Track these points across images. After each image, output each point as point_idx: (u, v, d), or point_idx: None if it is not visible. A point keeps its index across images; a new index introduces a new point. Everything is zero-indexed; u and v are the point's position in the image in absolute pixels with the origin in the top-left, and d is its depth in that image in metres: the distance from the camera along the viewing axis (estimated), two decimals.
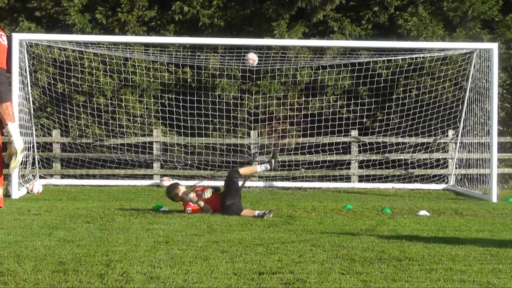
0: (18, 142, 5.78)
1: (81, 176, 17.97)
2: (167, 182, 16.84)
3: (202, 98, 18.52)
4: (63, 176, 18.12)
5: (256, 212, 11.68)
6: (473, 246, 8.79)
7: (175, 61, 18.24)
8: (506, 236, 9.72)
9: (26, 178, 16.28)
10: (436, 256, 8.05)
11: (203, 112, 18.45)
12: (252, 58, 15.26)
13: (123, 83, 18.55)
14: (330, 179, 18.32)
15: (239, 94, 18.66)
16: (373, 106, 18.77)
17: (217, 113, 18.41)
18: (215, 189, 12.23)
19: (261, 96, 18.64)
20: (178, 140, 18.34)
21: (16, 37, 15.16)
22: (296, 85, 18.93)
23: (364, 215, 12.08)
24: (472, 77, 17.50)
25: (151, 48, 18.12)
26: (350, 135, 18.51)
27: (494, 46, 16.11)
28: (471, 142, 17.78)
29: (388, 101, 18.80)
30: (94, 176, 17.98)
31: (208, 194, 12.01)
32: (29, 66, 16.63)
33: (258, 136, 18.49)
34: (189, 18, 19.27)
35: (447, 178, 18.39)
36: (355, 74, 18.54)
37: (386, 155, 18.52)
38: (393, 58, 18.17)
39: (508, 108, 19.31)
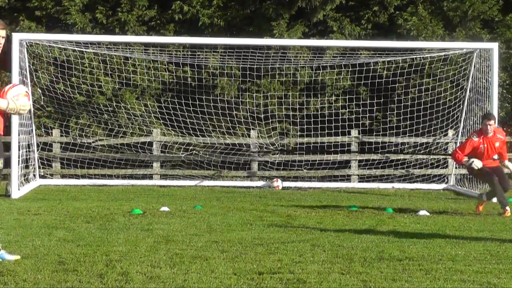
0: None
1: (81, 176, 17.97)
2: (276, 183, 17.24)
3: (203, 97, 18.52)
4: (63, 176, 18.12)
5: None
6: (473, 246, 8.80)
7: (175, 61, 18.24)
8: (506, 236, 9.72)
9: (26, 178, 16.28)
10: (436, 256, 8.06)
11: (203, 111, 18.44)
12: (278, 185, 17.35)
13: (123, 82, 18.55)
14: (331, 179, 18.31)
15: (239, 93, 18.66)
16: (374, 108, 18.76)
17: (218, 112, 18.40)
18: None
19: (262, 95, 18.64)
20: (178, 139, 18.33)
21: (16, 37, 15.15)
22: (295, 84, 18.93)
23: (364, 215, 12.08)
24: (472, 77, 17.50)
25: (151, 47, 18.12)
26: (350, 135, 18.50)
27: (494, 46, 16.10)
28: None
29: (389, 101, 18.79)
30: (94, 176, 17.97)
31: None
32: (29, 66, 16.63)
33: (258, 136, 18.49)
34: (189, 17, 19.27)
35: (447, 178, 18.39)
36: (355, 75, 18.53)
37: (386, 155, 18.51)
38: (393, 58, 18.16)
39: (508, 108, 19.31)
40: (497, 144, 12.83)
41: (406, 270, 7.27)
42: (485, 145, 12.74)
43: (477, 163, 12.57)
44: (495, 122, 12.91)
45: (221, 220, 11.09)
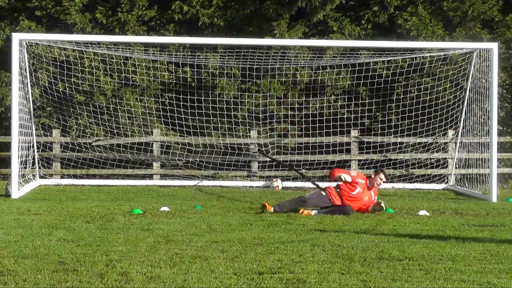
0: None
1: (81, 176, 17.97)
2: (276, 183, 17.26)
3: (202, 98, 18.53)
4: (63, 176, 18.12)
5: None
6: (473, 246, 8.80)
7: (175, 61, 18.25)
8: (506, 236, 9.73)
9: (26, 178, 16.28)
10: (436, 256, 8.06)
11: (203, 111, 18.45)
12: (278, 185, 17.29)
13: (123, 82, 18.56)
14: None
15: (239, 93, 18.66)
16: (373, 107, 18.76)
17: (217, 113, 18.41)
18: None
19: (261, 95, 18.64)
20: (178, 139, 18.34)
21: (16, 36, 15.14)
22: (296, 84, 18.93)
23: (364, 215, 12.07)
24: (472, 77, 17.50)
25: (151, 47, 18.12)
26: (350, 135, 18.50)
27: (494, 46, 16.10)
28: (471, 142, 17.77)
29: (388, 101, 18.80)
30: (94, 176, 17.98)
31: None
32: (29, 66, 16.62)
33: (258, 136, 18.49)
34: (189, 17, 19.28)
35: (447, 178, 18.39)
36: (355, 75, 18.53)
37: (385, 153, 18.50)
38: (393, 58, 18.17)
39: (508, 108, 19.31)
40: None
41: (406, 270, 7.28)
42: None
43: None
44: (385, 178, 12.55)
45: (221, 220, 11.09)
